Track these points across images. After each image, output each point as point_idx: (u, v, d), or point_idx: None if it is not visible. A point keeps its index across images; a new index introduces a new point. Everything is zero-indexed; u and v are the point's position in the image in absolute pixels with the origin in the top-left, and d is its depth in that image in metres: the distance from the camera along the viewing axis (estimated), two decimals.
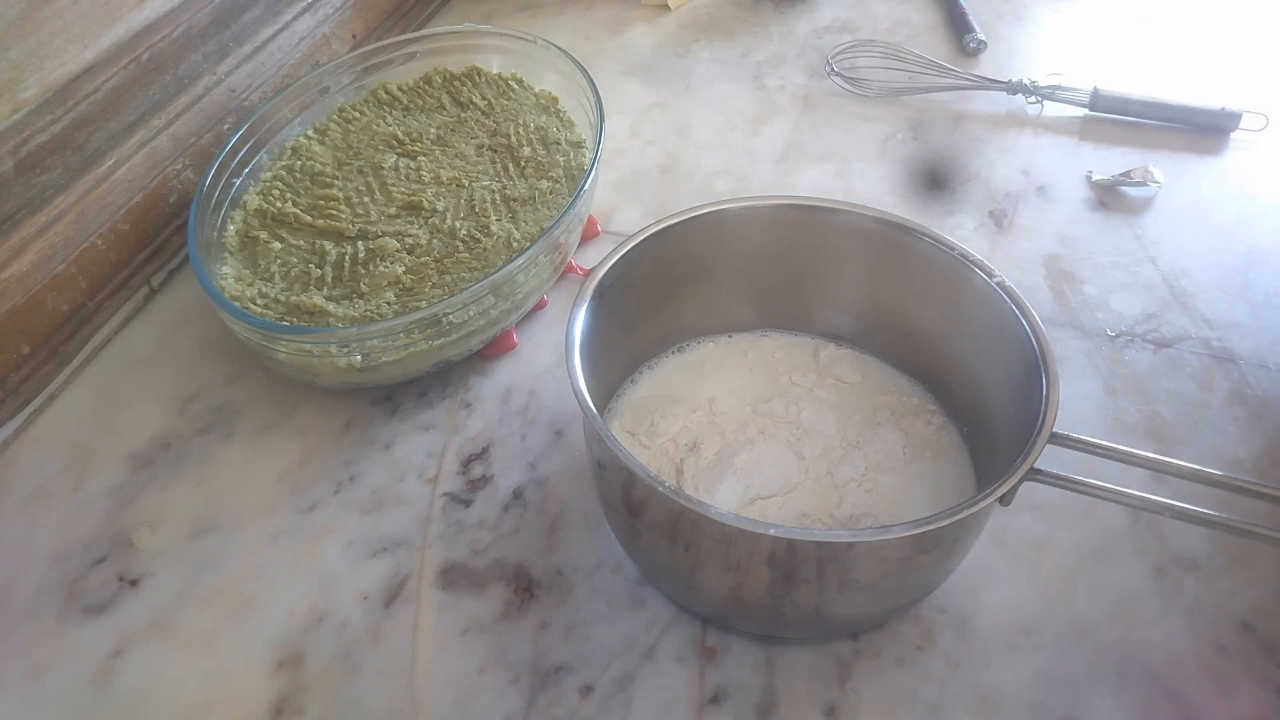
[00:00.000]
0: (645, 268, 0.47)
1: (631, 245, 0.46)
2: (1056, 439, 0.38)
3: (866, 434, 0.47)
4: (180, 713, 0.42)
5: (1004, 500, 0.37)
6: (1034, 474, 0.37)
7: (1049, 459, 0.37)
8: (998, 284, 0.43)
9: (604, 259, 0.45)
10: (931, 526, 0.34)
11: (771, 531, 0.34)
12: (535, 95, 0.67)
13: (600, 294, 0.44)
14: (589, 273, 0.44)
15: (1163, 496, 0.38)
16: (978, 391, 0.46)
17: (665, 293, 0.49)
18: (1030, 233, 0.63)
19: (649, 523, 0.39)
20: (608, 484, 0.41)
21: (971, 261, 0.44)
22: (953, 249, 0.45)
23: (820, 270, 0.50)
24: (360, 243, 0.57)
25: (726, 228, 0.48)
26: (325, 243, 0.57)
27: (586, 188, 0.56)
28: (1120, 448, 0.38)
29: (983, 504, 0.35)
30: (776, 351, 0.52)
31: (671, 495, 0.35)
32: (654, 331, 0.51)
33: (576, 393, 0.39)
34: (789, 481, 0.45)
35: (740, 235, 0.49)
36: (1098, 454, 0.38)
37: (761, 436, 0.47)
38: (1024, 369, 0.41)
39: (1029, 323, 0.41)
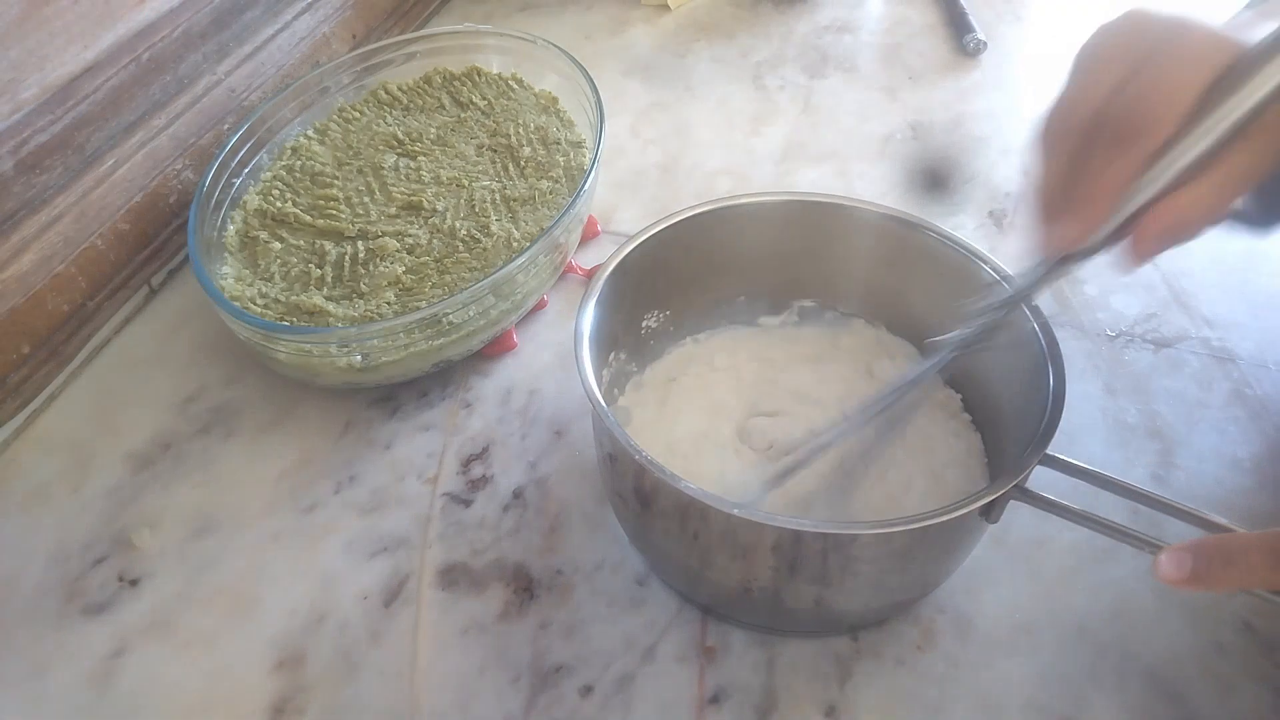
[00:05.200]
0: (655, 262, 0.47)
1: (643, 239, 0.46)
2: (1048, 461, 0.37)
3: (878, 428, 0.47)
4: (180, 713, 0.42)
5: (990, 517, 0.37)
6: (1021, 494, 0.37)
7: (1052, 462, 0.37)
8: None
9: (615, 252, 0.45)
10: (919, 524, 0.35)
11: (776, 522, 0.35)
12: (535, 95, 0.67)
13: (610, 287, 0.44)
14: (597, 268, 0.44)
15: (1160, 501, 0.37)
16: (991, 391, 0.46)
17: (673, 287, 0.50)
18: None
19: (658, 514, 0.40)
20: (619, 476, 0.41)
21: (1004, 278, 0.44)
22: (974, 253, 0.45)
23: (830, 265, 0.50)
24: (360, 243, 0.57)
25: (737, 223, 0.49)
26: (325, 243, 0.57)
27: (586, 188, 0.56)
28: (1115, 479, 0.37)
29: (960, 513, 0.35)
30: (784, 346, 0.52)
31: (682, 488, 0.36)
32: (661, 326, 0.51)
33: (585, 386, 0.39)
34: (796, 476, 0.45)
35: (750, 230, 0.49)
36: (1089, 482, 0.38)
37: (767, 430, 0.47)
38: (1033, 375, 0.40)
39: (1048, 346, 0.40)
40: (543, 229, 0.56)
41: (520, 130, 0.64)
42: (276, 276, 0.56)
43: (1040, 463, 0.37)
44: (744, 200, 0.48)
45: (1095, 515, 0.36)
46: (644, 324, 0.50)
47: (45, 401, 0.55)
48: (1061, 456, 0.37)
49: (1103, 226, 0.34)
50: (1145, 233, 0.33)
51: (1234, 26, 0.32)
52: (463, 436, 0.53)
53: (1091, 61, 0.34)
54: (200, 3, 0.64)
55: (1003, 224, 0.64)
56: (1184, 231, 0.32)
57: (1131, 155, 0.32)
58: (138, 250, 0.61)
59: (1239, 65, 0.30)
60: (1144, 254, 0.33)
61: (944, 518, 0.35)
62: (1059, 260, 0.36)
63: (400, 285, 0.54)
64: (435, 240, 0.57)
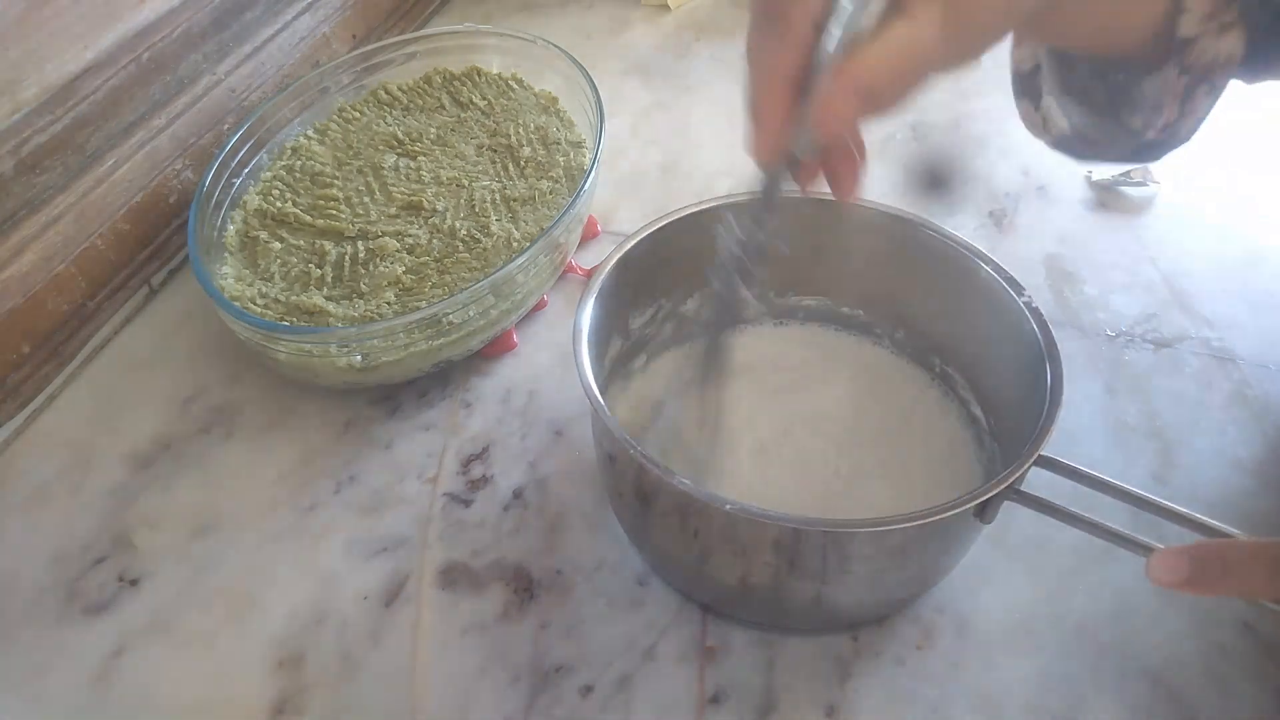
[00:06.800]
0: (654, 260, 0.47)
1: (642, 237, 0.46)
2: (1046, 462, 0.37)
3: (878, 425, 0.47)
4: (180, 713, 0.42)
5: (985, 518, 0.37)
6: (1016, 495, 0.37)
7: (1050, 464, 0.37)
8: (1025, 303, 0.42)
9: (614, 250, 0.45)
10: (913, 523, 0.35)
11: (776, 520, 0.35)
12: (535, 95, 0.67)
13: (609, 285, 0.44)
14: (596, 267, 0.45)
15: (1158, 506, 0.37)
16: (991, 390, 0.46)
17: (673, 286, 0.50)
18: (1030, 233, 0.63)
19: (658, 512, 0.40)
20: (619, 475, 0.41)
21: (1004, 277, 0.44)
22: (974, 253, 0.45)
23: (830, 264, 0.50)
24: (360, 243, 0.57)
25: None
26: (325, 243, 0.57)
27: (586, 188, 0.56)
28: (1113, 482, 0.37)
29: (953, 512, 0.35)
30: (784, 343, 0.52)
31: (681, 485, 0.36)
32: (661, 325, 0.51)
33: (584, 384, 0.39)
34: (796, 471, 0.45)
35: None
36: (1086, 484, 0.38)
37: (769, 428, 0.47)
38: (1032, 375, 0.40)
39: (1047, 346, 0.40)
40: (543, 229, 0.56)
41: (520, 130, 0.64)
42: (276, 276, 0.56)
43: (1037, 464, 0.37)
44: (744, 199, 0.48)
45: (1090, 518, 0.36)
46: (644, 323, 0.50)
47: (45, 401, 0.55)
48: (1059, 459, 0.37)
49: (782, 127, 0.32)
50: (830, 99, 0.30)
51: None
52: (463, 436, 0.53)
53: None
54: (200, 3, 0.64)
55: (1002, 224, 0.64)
56: (876, 97, 0.30)
57: (784, 39, 0.29)
58: (138, 250, 0.61)
59: None
60: (835, 119, 0.30)
61: (937, 517, 0.35)
62: (773, 173, 0.34)
63: (400, 285, 0.54)
64: (435, 240, 0.57)
